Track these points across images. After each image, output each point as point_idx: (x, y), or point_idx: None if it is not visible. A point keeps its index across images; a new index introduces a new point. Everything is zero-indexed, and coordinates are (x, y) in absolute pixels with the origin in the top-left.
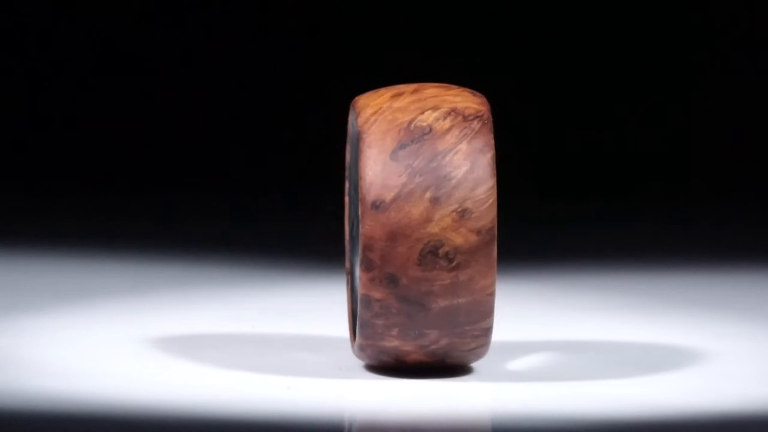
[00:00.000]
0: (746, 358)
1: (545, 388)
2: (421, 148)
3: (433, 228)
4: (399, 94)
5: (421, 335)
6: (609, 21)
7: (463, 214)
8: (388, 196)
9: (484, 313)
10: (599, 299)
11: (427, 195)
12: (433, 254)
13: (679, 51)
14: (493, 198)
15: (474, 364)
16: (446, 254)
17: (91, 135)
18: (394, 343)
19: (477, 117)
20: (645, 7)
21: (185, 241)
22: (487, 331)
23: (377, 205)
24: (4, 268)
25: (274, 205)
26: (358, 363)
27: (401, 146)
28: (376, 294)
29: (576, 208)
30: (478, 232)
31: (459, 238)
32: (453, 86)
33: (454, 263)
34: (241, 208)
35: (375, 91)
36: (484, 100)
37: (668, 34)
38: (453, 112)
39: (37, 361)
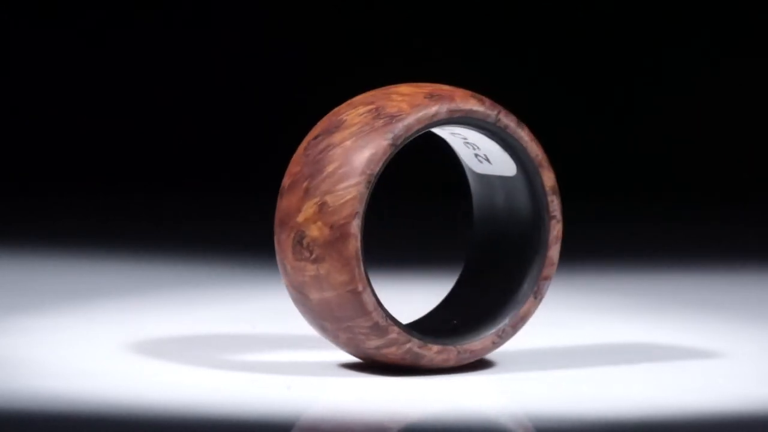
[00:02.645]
0: (746, 358)
1: (544, 388)
2: (324, 140)
3: (300, 218)
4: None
5: (324, 327)
6: (609, 21)
7: (322, 207)
8: (287, 184)
9: (357, 310)
10: (599, 299)
11: (304, 185)
12: (300, 244)
13: (680, 51)
14: (351, 195)
15: (474, 364)
16: (308, 245)
17: (91, 135)
18: (319, 333)
19: (390, 116)
20: (645, 7)
21: (185, 241)
22: (377, 330)
23: (281, 193)
24: (4, 268)
25: (273, 206)
26: (358, 363)
27: (315, 137)
28: (284, 280)
29: (576, 208)
30: (331, 227)
31: (316, 231)
32: (427, 85)
33: (313, 255)
34: (240, 208)
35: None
36: (440, 105)
37: (669, 35)
38: (375, 110)
39: (37, 361)
